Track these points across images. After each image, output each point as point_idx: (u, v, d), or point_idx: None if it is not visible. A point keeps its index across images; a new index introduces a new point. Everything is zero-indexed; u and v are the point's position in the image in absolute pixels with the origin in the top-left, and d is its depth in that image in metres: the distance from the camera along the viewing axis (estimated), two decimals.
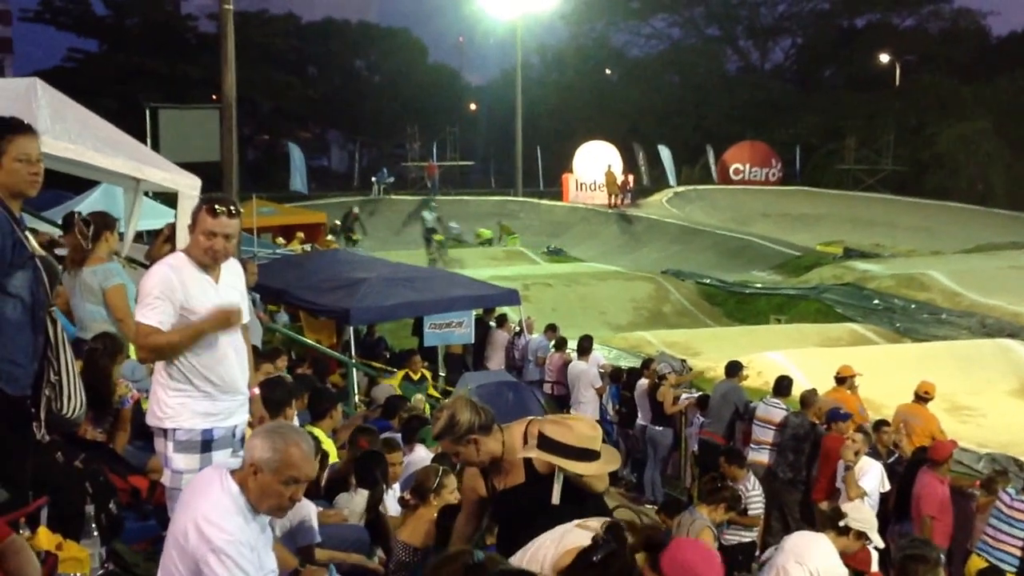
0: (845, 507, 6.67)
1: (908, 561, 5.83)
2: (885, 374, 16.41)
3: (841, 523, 6.40)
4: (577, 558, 3.79)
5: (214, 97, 20.32)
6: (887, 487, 10.09)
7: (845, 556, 6.28)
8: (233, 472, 3.82)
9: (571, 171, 50.18)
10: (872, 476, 9.83)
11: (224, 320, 4.85)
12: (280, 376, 7.95)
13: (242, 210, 5.06)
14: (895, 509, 10.23)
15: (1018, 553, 8.97)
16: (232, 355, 4.98)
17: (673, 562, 3.78)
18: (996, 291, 25.93)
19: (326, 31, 68.64)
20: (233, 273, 5.11)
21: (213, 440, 4.88)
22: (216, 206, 4.83)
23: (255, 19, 60.76)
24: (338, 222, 37.34)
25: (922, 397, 12.84)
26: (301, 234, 30.97)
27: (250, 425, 5.25)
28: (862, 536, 6.39)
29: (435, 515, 5.49)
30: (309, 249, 27.50)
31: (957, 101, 56.96)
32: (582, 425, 4.35)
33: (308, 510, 5.40)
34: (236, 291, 5.12)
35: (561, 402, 15.46)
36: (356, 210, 38.51)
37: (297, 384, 8.05)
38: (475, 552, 3.64)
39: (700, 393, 14.61)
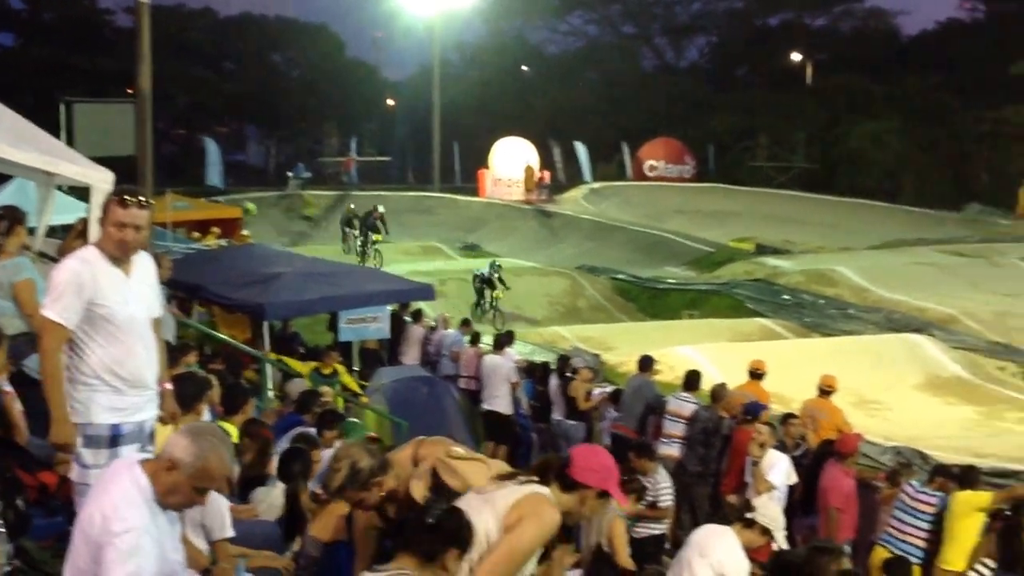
0: (755, 502, 6.78)
1: (814, 553, 5.97)
2: (794, 368, 16.71)
3: (748, 515, 6.50)
4: (411, 521, 3.91)
5: (130, 91, 20.03)
6: (794, 480, 10.29)
7: (749, 550, 6.40)
8: (144, 462, 3.82)
9: (487, 167, 50.25)
10: (780, 470, 10.02)
11: (62, 442, 4.79)
12: (192, 371, 7.89)
13: (153, 203, 5.04)
14: (802, 502, 10.43)
15: (921, 544, 9.23)
16: (140, 350, 4.96)
17: (579, 470, 4.20)
18: (902, 287, 26.58)
19: (243, 25, 67.76)
20: (144, 267, 5.10)
21: (121, 435, 4.86)
22: (126, 197, 4.82)
23: (172, 13, 59.74)
24: (354, 219, 34.41)
25: (825, 391, 13.03)
26: (217, 229, 30.60)
27: (161, 420, 5.23)
28: (767, 532, 6.49)
29: (346, 510, 5.49)
30: (225, 244, 27.20)
31: (867, 100, 58.15)
32: (477, 474, 4.38)
33: (221, 504, 5.37)
34: (147, 285, 5.11)
35: (475, 397, 15.53)
36: (381, 209, 33.58)
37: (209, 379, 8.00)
38: None
39: (613, 388, 14.77)
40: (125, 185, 5.20)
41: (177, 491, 3.73)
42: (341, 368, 14.35)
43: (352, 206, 35.89)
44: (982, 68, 56.78)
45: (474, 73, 66.44)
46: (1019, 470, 12.68)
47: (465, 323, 18.86)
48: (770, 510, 6.64)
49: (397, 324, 17.65)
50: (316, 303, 15.00)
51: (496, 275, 26.83)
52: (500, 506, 4.00)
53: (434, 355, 17.91)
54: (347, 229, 34.48)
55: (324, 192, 48.25)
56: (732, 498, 10.37)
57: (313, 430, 8.41)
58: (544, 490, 4.12)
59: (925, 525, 9.19)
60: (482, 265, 28.03)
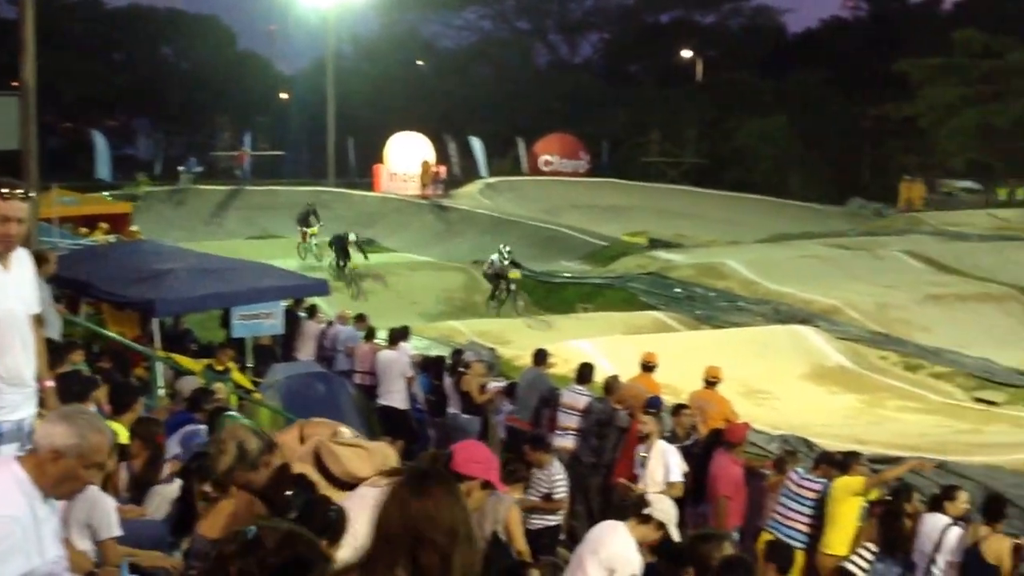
0: (650, 496, 6.89)
1: (697, 542, 6.11)
2: (686, 360, 17.00)
3: (644, 511, 6.58)
4: (277, 515, 3.95)
5: (14, 84, 19.56)
6: (684, 469, 10.47)
7: (644, 543, 6.51)
8: (22, 458, 3.79)
9: (383, 162, 50.04)
10: (675, 465, 10.19)
11: None
12: (77, 370, 7.77)
13: (35, 195, 4.99)
14: (692, 491, 10.62)
15: (806, 529, 9.50)
16: (18, 346, 4.89)
17: (462, 462, 4.42)
18: (789, 279, 27.15)
19: (131, 17, 66.27)
20: (24, 263, 5.03)
21: (0, 434, 4.77)
22: (5, 190, 4.73)
23: (57, 4, 58.13)
24: (311, 216, 32.94)
25: (711, 382, 13.26)
26: (105, 224, 29.96)
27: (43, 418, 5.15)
28: (662, 527, 6.60)
29: (235, 508, 5.45)
30: (113, 240, 26.68)
31: (755, 96, 59.32)
32: (358, 460, 4.46)
33: (107, 504, 5.31)
34: (27, 281, 5.04)
35: (370, 392, 15.49)
36: (352, 236, 29.59)
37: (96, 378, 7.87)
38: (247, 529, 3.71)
39: (508, 381, 14.86)
40: (5, 177, 5.12)
41: (68, 477, 3.70)
42: (233, 365, 14.20)
43: (311, 203, 34.45)
44: (865, 65, 58.39)
45: (369, 67, 66.04)
46: (900, 456, 13.08)
47: (359, 318, 18.78)
48: (664, 504, 6.75)
49: (292, 320, 17.53)
50: (208, 299, 14.86)
51: (510, 260, 26.29)
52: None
53: (329, 351, 17.80)
54: (304, 229, 32.68)
55: (217, 187, 47.55)
56: (623, 481, 10.48)
57: (204, 427, 8.32)
58: None
59: (809, 511, 9.46)
60: (493, 253, 27.31)
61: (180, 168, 48.17)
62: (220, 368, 13.61)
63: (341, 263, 28.87)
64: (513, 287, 26.37)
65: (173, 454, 7.63)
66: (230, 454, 4.38)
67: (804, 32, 72.22)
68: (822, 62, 61.74)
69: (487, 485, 4.45)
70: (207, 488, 5.99)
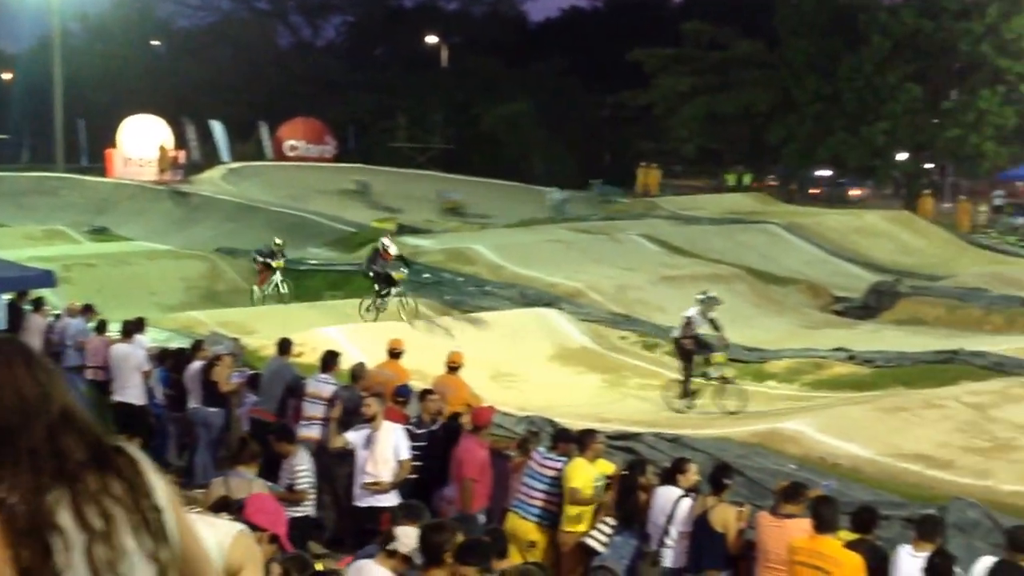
0: (395, 531, 6.71)
1: (428, 533, 6.08)
2: (434, 345, 17.07)
3: (389, 547, 6.44)
4: None
5: None
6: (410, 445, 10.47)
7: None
8: None
9: (116, 146, 47.96)
10: (404, 442, 10.23)
11: None
12: None
13: None
14: (439, 474, 10.67)
15: (548, 507, 9.67)
16: None
17: (253, 512, 4.65)
18: (535, 263, 27.69)
19: None
20: None
21: None
22: None
23: None
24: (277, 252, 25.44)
25: (452, 367, 13.40)
26: None
27: None
28: (408, 560, 6.48)
29: None
30: None
31: (499, 83, 60.28)
32: None
33: None
34: None
35: (103, 388, 14.79)
36: (392, 249, 21.75)
37: None
38: None
39: (251, 372, 14.51)
40: None
41: None
42: None
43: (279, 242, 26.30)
44: (603, 55, 60.36)
45: (99, 46, 63.06)
46: (637, 432, 13.56)
47: (86, 309, 17.86)
48: (409, 537, 6.60)
49: (15, 313, 16.57)
50: None
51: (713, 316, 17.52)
52: (221, 538, 3.84)
53: (58, 345, 16.87)
54: (264, 260, 25.72)
55: None
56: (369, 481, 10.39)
57: None
58: (247, 529, 4.07)
59: (551, 488, 9.64)
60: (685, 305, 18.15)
61: None
62: None
63: (386, 286, 21.57)
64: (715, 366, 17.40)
65: None
66: None
67: (545, 21, 74.07)
68: (563, 51, 63.36)
69: (274, 540, 4.47)
70: None
